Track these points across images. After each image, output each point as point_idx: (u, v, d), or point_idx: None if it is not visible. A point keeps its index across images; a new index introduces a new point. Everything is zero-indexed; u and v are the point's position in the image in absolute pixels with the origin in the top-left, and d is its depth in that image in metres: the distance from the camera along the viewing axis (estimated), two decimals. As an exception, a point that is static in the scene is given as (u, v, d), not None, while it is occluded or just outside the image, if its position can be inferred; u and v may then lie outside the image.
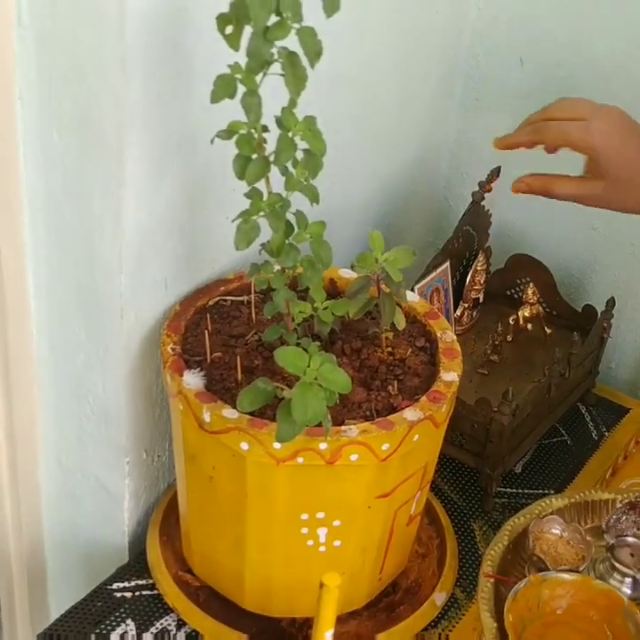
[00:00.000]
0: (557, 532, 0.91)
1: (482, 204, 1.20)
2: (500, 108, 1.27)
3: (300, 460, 0.76)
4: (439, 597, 0.94)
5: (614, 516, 0.91)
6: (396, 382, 0.84)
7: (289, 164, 0.73)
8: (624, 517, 0.91)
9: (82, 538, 1.08)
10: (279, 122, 0.72)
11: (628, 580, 0.89)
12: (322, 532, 0.82)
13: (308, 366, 0.71)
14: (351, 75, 1.04)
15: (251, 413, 0.77)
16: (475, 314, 1.26)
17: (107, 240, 0.84)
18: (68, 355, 0.95)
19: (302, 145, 0.73)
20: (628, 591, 0.88)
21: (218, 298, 0.93)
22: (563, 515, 0.93)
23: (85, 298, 0.89)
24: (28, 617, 1.15)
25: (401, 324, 0.85)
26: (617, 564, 0.88)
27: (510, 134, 0.97)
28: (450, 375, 0.85)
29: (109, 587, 0.96)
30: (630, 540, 0.90)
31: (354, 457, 0.77)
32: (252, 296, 0.92)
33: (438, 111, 1.28)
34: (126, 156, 0.79)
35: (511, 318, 1.23)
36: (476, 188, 1.18)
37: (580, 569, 0.87)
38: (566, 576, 0.85)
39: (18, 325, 0.94)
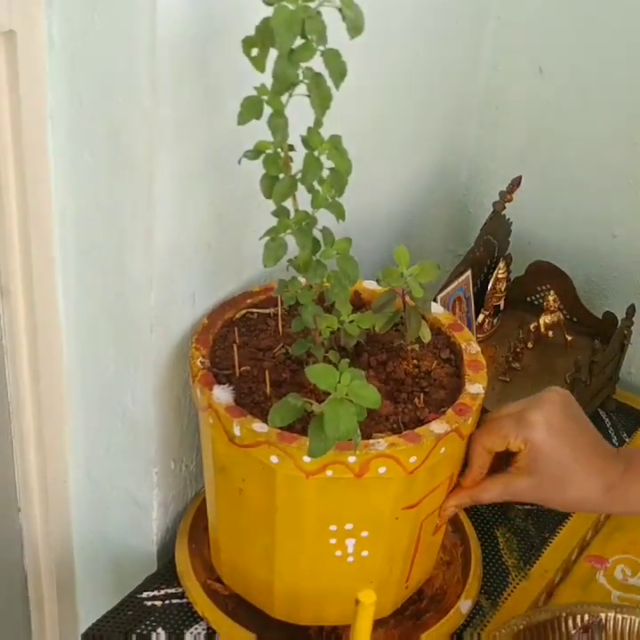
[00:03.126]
0: None
1: (502, 213, 1.20)
2: (519, 116, 1.27)
3: (329, 473, 0.77)
4: (465, 605, 0.95)
5: None
6: (422, 395, 0.85)
7: (315, 182, 0.74)
8: None
9: (111, 547, 1.09)
10: (305, 141, 0.72)
11: None
12: (350, 543, 0.83)
13: (339, 382, 0.72)
14: (371, 87, 1.04)
15: (280, 427, 0.78)
16: (495, 321, 1.27)
17: (137, 257, 0.85)
18: (98, 368, 0.96)
19: (328, 163, 0.73)
20: None
21: (245, 310, 0.94)
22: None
23: (115, 313, 0.91)
24: (58, 627, 1.16)
25: (426, 337, 0.86)
26: None
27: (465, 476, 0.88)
28: (475, 387, 0.85)
29: (139, 595, 0.96)
30: None
31: (382, 470, 0.77)
32: (279, 309, 0.93)
33: (457, 120, 1.28)
34: (156, 176, 0.80)
35: (532, 325, 1.23)
36: (495, 195, 1.19)
37: None
38: None
39: (47, 339, 0.95)
